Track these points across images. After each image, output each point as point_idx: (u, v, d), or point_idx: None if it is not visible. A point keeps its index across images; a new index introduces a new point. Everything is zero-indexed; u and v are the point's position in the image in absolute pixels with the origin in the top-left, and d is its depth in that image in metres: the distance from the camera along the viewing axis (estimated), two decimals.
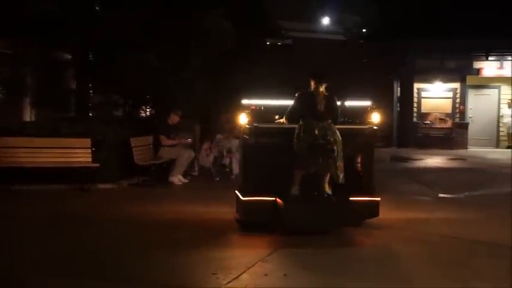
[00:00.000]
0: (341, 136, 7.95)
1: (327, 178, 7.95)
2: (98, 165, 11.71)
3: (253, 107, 8.98)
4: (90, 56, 14.92)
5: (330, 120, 7.91)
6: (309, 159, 7.84)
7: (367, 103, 9.38)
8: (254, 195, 8.12)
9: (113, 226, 8.42)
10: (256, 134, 8.21)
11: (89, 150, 11.91)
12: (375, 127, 8.43)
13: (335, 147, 7.80)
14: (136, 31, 13.10)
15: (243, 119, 8.39)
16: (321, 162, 7.84)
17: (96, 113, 15.14)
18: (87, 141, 11.97)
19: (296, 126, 7.97)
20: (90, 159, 11.87)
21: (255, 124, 8.25)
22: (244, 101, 8.96)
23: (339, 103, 8.64)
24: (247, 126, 8.26)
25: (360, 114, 8.76)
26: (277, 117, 8.68)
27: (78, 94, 14.91)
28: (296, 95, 8.22)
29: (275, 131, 8.40)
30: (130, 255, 6.84)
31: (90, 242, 7.47)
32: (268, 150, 8.17)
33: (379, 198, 8.29)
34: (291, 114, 8.15)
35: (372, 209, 8.24)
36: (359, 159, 8.37)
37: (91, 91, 15.42)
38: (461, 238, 7.78)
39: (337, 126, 8.06)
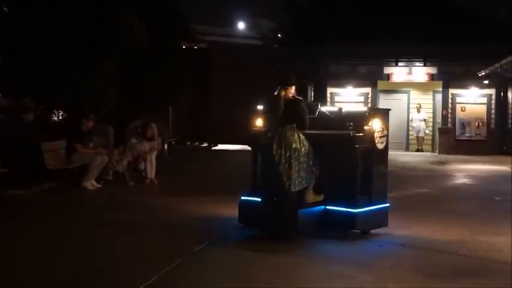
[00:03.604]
0: (320, 143, 7.91)
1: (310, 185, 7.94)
2: (5, 170, 11.35)
3: None
4: None
5: (290, 125, 7.82)
6: None
7: (363, 108, 8.87)
8: (248, 196, 8.31)
9: (14, 234, 8.17)
10: (253, 137, 8.47)
11: None
12: (357, 133, 7.87)
13: (280, 152, 7.76)
14: (47, 33, 12.79)
15: (259, 123, 8.51)
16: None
17: (5, 116, 14.66)
18: None
19: None
20: None
21: (253, 128, 8.47)
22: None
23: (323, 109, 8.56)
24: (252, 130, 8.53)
25: (357, 120, 8.05)
26: None
27: None
28: None
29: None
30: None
31: None
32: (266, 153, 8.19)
33: (357, 210, 7.76)
34: (263, 118, 8.17)
35: (348, 221, 7.81)
36: (339, 167, 7.96)
37: None
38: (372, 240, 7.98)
39: (315, 132, 8.02)
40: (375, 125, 7.94)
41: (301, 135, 7.89)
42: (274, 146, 7.80)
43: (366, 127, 7.89)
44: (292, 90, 8.07)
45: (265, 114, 8.15)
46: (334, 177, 7.95)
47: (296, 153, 7.79)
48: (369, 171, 7.97)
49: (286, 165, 7.77)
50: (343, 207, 7.79)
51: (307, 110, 8.29)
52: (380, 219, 8.14)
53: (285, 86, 8.00)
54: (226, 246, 7.47)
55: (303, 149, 7.85)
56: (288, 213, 7.79)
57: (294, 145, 7.79)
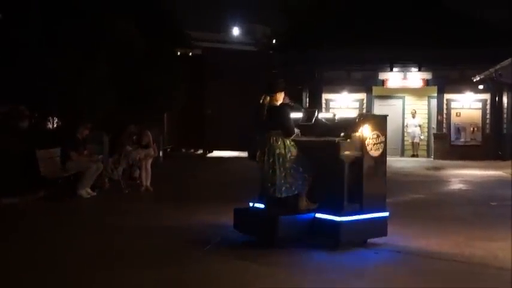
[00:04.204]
0: (309, 150, 7.88)
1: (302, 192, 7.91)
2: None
3: None
4: None
5: (275, 132, 7.82)
6: None
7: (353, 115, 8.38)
8: (256, 202, 8.26)
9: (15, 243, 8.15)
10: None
11: None
12: (344, 140, 7.66)
13: (263, 159, 7.82)
14: (42, 39, 12.78)
15: None
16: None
17: (0, 123, 14.62)
18: None
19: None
20: None
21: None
22: None
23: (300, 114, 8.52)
24: None
25: (348, 127, 7.82)
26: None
27: None
28: None
29: None
30: None
31: None
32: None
33: (341, 218, 7.52)
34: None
35: (333, 229, 7.58)
36: (327, 174, 7.79)
37: None
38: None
39: (303, 139, 8.02)
40: (365, 131, 7.74)
41: (287, 141, 7.86)
42: (258, 153, 7.88)
43: (355, 133, 7.71)
44: (281, 96, 8.06)
45: (253, 121, 8.17)
46: (323, 185, 7.87)
47: (281, 159, 7.78)
48: (360, 179, 7.73)
49: (270, 171, 7.79)
50: (329, 215, 7.65)
51: (306, 115, 8.35)
52: (376, 228, 7.87)
53: (270, 93, 8.00)
54: (223, 254, 7.44)
55: (289, 154, 7.82)
56: (269, 220, 7.77)
57: (277, 151, 7.78)
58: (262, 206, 8.16)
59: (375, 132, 7.83)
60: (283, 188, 7.79)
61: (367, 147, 7.75)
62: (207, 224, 9.34)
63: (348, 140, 7.68)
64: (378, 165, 7.93)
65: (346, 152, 7.63)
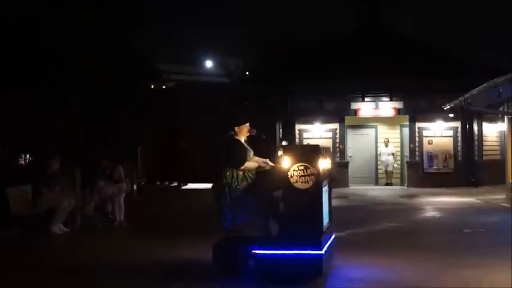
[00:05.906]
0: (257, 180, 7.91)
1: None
2: None
3: None
4: None
5: (228, 163, 8.01)
6: None
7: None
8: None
9: None
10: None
11: None
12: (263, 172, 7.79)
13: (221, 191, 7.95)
14: (12, 76, 12.74)
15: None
16: None
17: None
18: None
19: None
20: None
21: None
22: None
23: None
24: None
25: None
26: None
27: None
28: None
29: None
30: None
31: None
32: None
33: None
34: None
35: (265, 264, 7.41)
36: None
37: None
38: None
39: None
40: (285, 163, 7.39)
41: (239, 172, 7.94)
42: (213, 184, 8.29)
43: (277, 165, 7.57)
44: (241, 130, 8.26)
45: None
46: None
47: (226, 189, 7.92)
48: (282, 211, 7.38)
49: (218, 200, 7.99)
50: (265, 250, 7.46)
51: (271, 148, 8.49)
52: (303, 267, 7.30)
53: (229, 127, 8.27)
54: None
55: (235, 184, 7.91)
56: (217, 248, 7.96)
57: (224, 181, 7.94)
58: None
59: (301, 164, 7.41)
60: (229, 217, 7.92)
61: (291, 180, 7.39)
62: (182, 258, 9.26)
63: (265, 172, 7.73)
64: (306, 199, 7.41)
65: (264, 184, 7.55)
